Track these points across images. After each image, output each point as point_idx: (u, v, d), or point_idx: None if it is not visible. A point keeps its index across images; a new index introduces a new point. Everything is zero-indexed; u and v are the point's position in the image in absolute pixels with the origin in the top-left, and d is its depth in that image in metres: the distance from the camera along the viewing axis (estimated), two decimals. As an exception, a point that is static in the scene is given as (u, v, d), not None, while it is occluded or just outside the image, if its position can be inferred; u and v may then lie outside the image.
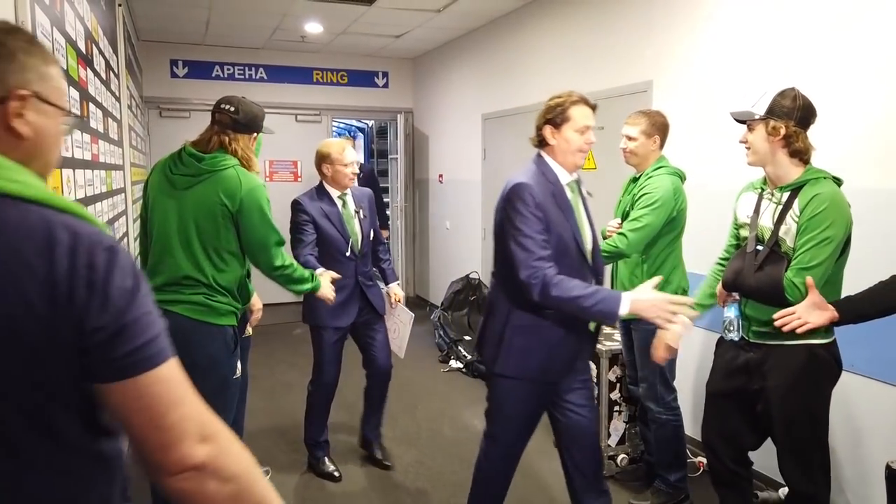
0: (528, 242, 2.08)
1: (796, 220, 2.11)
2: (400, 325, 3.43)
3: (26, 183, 0.85)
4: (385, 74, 7.49)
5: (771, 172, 2.21)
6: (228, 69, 6.86)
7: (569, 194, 2.24)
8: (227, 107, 2.40)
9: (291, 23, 5.70)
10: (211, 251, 2.33)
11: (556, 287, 2.04)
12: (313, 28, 5.91)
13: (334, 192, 3.17)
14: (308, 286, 2.70)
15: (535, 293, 2.07)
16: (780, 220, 2.16)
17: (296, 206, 3.14)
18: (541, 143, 2.27)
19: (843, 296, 2.16)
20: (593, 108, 2.24)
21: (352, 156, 3.19)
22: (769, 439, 2.31)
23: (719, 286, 2.40)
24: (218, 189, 2.31)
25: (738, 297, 2.31)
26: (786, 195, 2.16)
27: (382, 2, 4.98)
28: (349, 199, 3.25)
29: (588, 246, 2.26)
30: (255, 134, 2.50)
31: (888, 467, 2.05)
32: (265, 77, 6.99)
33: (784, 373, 2.15)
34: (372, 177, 5.13)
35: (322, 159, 3.15)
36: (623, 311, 2.02)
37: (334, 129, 8.17)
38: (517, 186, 2.14)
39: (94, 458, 0.90)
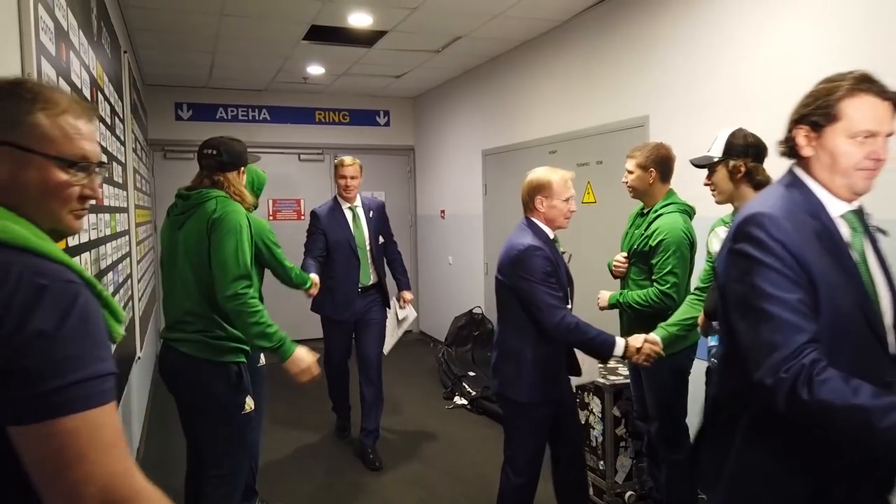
0: (777, 311, 1.26)
1: None
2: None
3: None
4: (386, 113, 7.61)
5: (739, 207, 2.30)
6: (232, 111, 6.98)
7: (847, 234, 1.40)
8: (210, 151, 2.50)
9: (294, 65, 5.82)
10: (206, 279, 2.36)
11: (822, 386, 1.20)
12: (315, 70, 6.03)
13: (549, 233, 2.58)
14: (267, 344, 2.32)
15: (780, 396, 1.24)
16: None
17: (536, 250, 2.46)
18: (792, 152, 1.47)
19: None
20: (891, 98, 1.38)
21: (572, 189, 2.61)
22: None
23: (701, 315, 2.44)
24: (202, 220, 2.39)
25: (716, 326, 2.33)
26: None
27: (382, 43, 5.09)
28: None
29: (888, 320, 1.39)
30: (242, 168, 2.58)
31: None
32: (268, 118, 7.11)
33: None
34: (383, 213, 4.19)
35: (537, 190, 2.57)
36: None
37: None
38: (753, 218, 1.35)
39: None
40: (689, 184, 2.97)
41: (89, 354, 0.84)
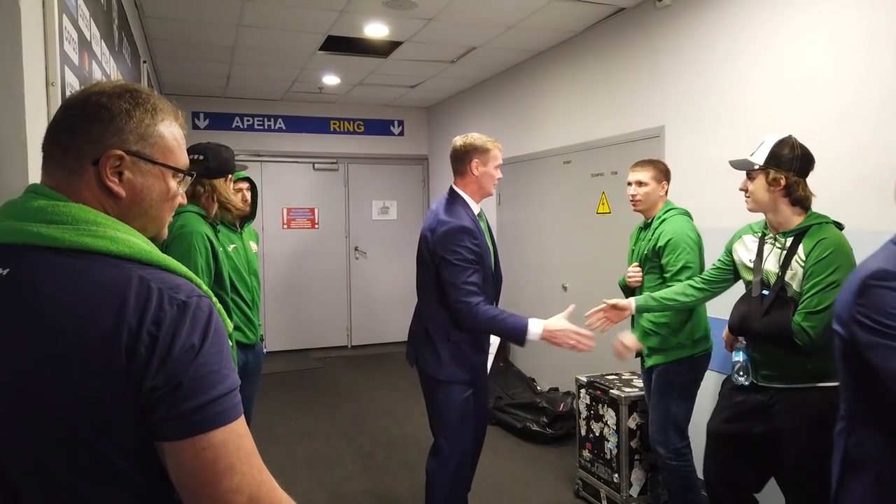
0: None
1: (802, 264, 2.11)
2: None
3: (114, 238, 0.87)
4: (401, 123, 7.64)
5: (772, 219, 2.24)
6: (248, 120, 7.04)
7: None
8: (197, 156, 2.43)
9: (309, 75, 5.86)
10: None
11: None
12: (331, 80, 6.08)
13: None
14: None
15: None
16: (785, 264, 2.16)
17: None
18: None
19: None
20: None
21: None
22: (774, 483, 2.27)
23: (726, 330, 2.39)
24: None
25: (744, 342, 2.30)
26: (789, 240, 2.18)
27: (397, 54, 5.12)
28: None
29: None
30: (230, 175, 2.54)
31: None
32: (283, 127, 7.16)
33: (793, 416, 2.13)
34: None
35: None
36: None
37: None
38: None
39: None
40: (693, 193, 2.96)
41: (225, 367, 0.87)
